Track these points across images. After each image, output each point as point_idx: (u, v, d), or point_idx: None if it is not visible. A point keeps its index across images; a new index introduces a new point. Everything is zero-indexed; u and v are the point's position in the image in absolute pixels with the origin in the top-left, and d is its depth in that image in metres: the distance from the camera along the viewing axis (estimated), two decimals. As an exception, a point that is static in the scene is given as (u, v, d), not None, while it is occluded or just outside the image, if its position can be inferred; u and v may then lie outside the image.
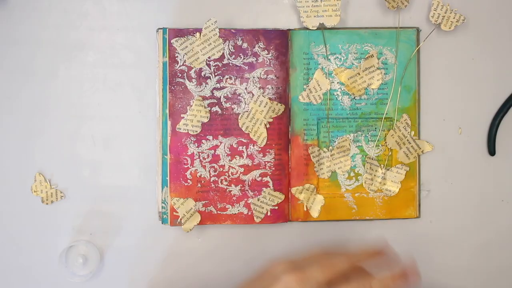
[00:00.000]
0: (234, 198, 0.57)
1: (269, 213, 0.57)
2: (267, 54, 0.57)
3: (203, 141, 0.57)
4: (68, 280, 0.57)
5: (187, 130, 0.56)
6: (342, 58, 0.58)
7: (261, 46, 0.57)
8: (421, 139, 0.59)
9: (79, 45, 0.58)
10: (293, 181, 0.58)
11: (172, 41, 0.56)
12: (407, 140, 0.58)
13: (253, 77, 0.57)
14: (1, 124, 0.58)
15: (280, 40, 0.57)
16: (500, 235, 0.61)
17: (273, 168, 0.57)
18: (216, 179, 0.57)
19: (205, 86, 0.57)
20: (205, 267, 0.59)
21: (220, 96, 0.57)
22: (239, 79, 0.57)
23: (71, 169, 0.58)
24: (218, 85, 0.57)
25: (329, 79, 0.58)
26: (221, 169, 0.57)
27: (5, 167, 0.58)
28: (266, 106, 0.57)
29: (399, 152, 0.58)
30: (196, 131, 0.57)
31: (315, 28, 0.57)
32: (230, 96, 0.57)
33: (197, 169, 0.57)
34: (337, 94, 0.58)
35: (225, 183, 0.57)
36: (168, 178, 0.57)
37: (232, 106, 0.57)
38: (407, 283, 0.47)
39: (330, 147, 0.58)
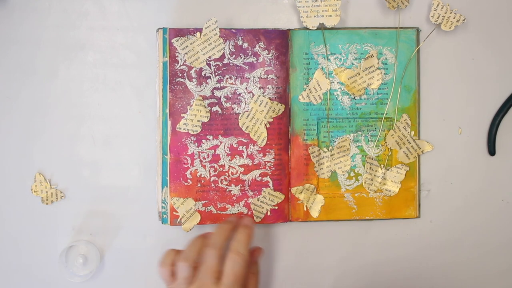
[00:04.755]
0: (234, 198, 0.57)
1: (269, 213, 0.57)
2: (267, 54, 0.57)
3: (203, 140, 0.57)
4: (68, 280, 0.57)
5: (187, 129, 0.56)
6: (342, 58, 0.58)
7: (261, 46, 0.57)
8: (421, 139, 0.59)
9: (79, 45, 0.58)
10: (293, 181, 0.58)
11: (172, 41, 0.56)
12: (407, 140, 0.58)
13: (253, 77, 0.57)
14: (1, 124, 0.58)
15: (280, 40, 0.57)
16: (500, 235, 0.61)
17: (273, 168, 0.57)
18: (216, 179, 0.57)
19: (206, 86, 0.57)
20: (205, 267, 0.59)
21: (220, 96, 0.57)
22: (240, 79, 0.57)
23: (71, 169, 0.58)
24: (218, 84, 0.57)
25: (329, 79, 0.58)
26: (221, 169, 0.57)
27: (5, 167, 0.58)
28: (266, 106, 0.57)
29: (399, 152, 0.58)
30: (196, 131, 0.57)
31: (315, 28, 0.57)
32: (230, 96, 0.57)
33: (197, 169, 0.57)
34: (337, 94, 0.58)
35: (225, 183, 0.57)
36: (168, 178, 0.57)
37: (232, 106, 0.57)
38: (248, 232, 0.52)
39: (330, 147, 0.58)
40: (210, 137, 0.57)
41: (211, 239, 0.50)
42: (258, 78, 0.57)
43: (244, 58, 0.57)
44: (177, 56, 0.56)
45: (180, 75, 0.56)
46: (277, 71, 0.57)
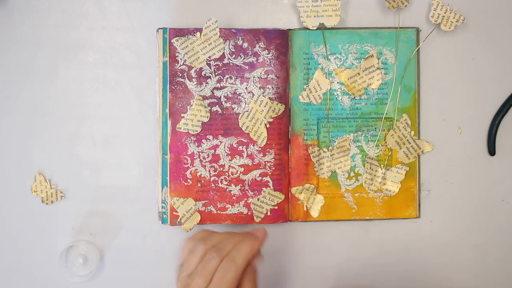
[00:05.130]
0: (234, 197, 0.57)
1: (269, 213, 0.57)
2: (267, 54, 0.57)
3: (203, 140, 0.57)
4: (68, 280, 0.57)
5: (187, 129, 0.56)
6: (342, 58, 0.58)
7: (261, 46, 0.57)
8: (421, 139, 0.59)
9: (79, 45, 0.58)
10: (293, 181, 0.58)
11: (172, 41, 0.56)
12: (407, 140, 0.58)
13: (254, 77, 0.57)
14: (1, 124, 0.58)
15: (280, 40, 0.57)
16: (500, 235, 0.61)
17: (273, 168, 0.57)
18: (216, 178, 0.57)
19: (206, 86, 0.57)
20: (205, 267, 0.59)
21: (221, 96, 0.57)
22: (240, 78, 0.57)
23: (71, 169, 0.58)
24: (218, 84, 0.57)
25: (329, 79, 0.58)
26: (221, 168, 0.57)
27: (5, 167, 0.58)
28: (266, 106, 0.57)
29: (399, 152, 0.58)
30: (196, 131, 0.57)
31: (315, 28, 0.57)
32: (230, 95, 0.57)
33: (197, 169, 0.57)
34: (337, 94, 0.58)
35: (225, 182, 0.57)
36: (168, 178, 0.57)
37: (232, 105, 0.57)
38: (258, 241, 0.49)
39: (330, 147, 0.58)
40: (210, 137, 0.57)
41: (222, 243, 0.47)
42: (258, 78, 0.57)
43: (244, 58, 0.57)
44: (177, 56, 0.56)
45: (180, 75, 0.56)
46: (277, 71, 0.57)
